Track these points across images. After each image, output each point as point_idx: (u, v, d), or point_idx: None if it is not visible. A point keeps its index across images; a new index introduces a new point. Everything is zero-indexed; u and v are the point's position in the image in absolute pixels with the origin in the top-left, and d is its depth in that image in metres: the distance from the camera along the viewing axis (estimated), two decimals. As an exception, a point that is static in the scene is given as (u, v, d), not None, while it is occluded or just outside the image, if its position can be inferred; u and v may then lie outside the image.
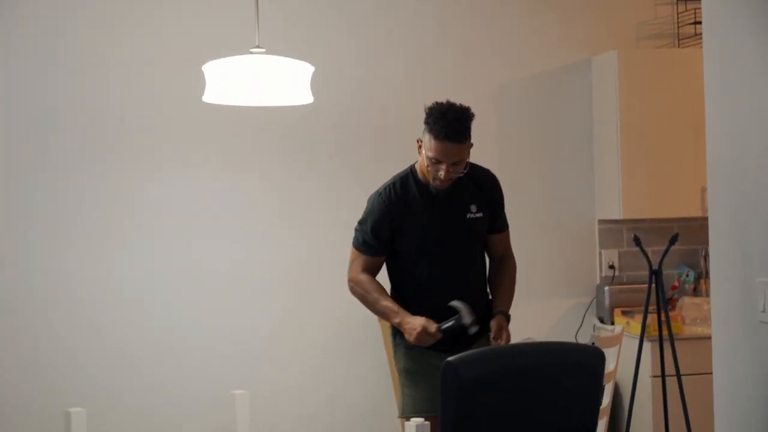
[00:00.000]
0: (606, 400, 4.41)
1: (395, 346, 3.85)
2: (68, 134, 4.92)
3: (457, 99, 3.67)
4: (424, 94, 3.94)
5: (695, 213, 5.24)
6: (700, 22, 4.69)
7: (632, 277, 5.49)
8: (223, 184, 5.10)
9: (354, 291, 3.82)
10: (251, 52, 3.82)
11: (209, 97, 3.90)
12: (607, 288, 5.36)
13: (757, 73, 2.99)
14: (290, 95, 3.91)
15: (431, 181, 3.69)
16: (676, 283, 5.40)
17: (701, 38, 3.37)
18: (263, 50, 3.83)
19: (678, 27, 5.59)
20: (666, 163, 5.25)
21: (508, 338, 3.74)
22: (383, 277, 3.86)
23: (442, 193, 3.71)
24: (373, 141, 5.24)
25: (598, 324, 5.40)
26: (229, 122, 5.02)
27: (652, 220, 5.45)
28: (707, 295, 5.31)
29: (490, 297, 3.89)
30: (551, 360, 2.87)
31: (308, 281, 5.17)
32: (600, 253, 5.51)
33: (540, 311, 5.42)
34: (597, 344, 4.22)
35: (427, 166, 3.65)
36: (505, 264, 3.93)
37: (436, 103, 3.65)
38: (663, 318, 4.35)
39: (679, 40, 5.59)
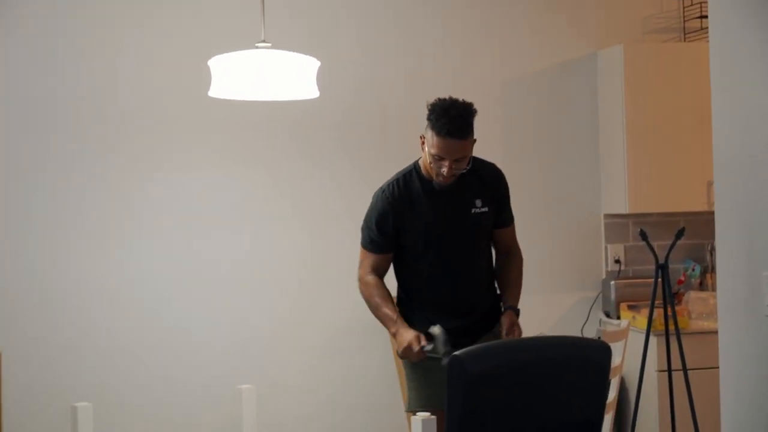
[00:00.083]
0: (612, 394, 4.42)
1: (402, 340, 3.85)
2: (68, 134, 4.90)
3: (462, 94, 3.65)
4: (430, 90, 3.92)
5: (701, 207, 5.23)
6: (706, 16, 4.69)
7: (638, 272, 5.48)
8: (225, 181, 5.08)
9: (361, 291, 3.82)
10: (257, 47, 3.81)
11: (215, 91, 3.90)
12: (613, 282, 5.36)
13: (763, 68, 2.98)
14: (296, 90, 3.90)
15: (434, 177, 3.67)
16: (682, 278, 5.39)
17: (707, 32, 3.36)
18: (269, 45, 3.82)
19: (684, 21, 5.58)
20: (672, 158, 5.24)
21: (520, 334, 3.73)
22: (389, 275, 3.85)
23: (445, 189, 3.69)
24: (379, 137, 5.23)
25: (604, 318, 5.40)
26: (234, 117, 5.01)
27: (658, 215, 5.45)
28: (713, 289, 5.31)
29: (498, 292, 3.88)
30: (557, 354, 2.87)
31: (313, 277, 5.16)
32: (606, 248, 5.51)
33: (546, 306, 5.42)
34: (603, 339, 4.23)
35: (430, 162, 3.63)
36: (512, 258, 3.91)
37: (439, 99, 3.62)
38: (669, 312, 4.35)
39: (685, 35, 5.57)
